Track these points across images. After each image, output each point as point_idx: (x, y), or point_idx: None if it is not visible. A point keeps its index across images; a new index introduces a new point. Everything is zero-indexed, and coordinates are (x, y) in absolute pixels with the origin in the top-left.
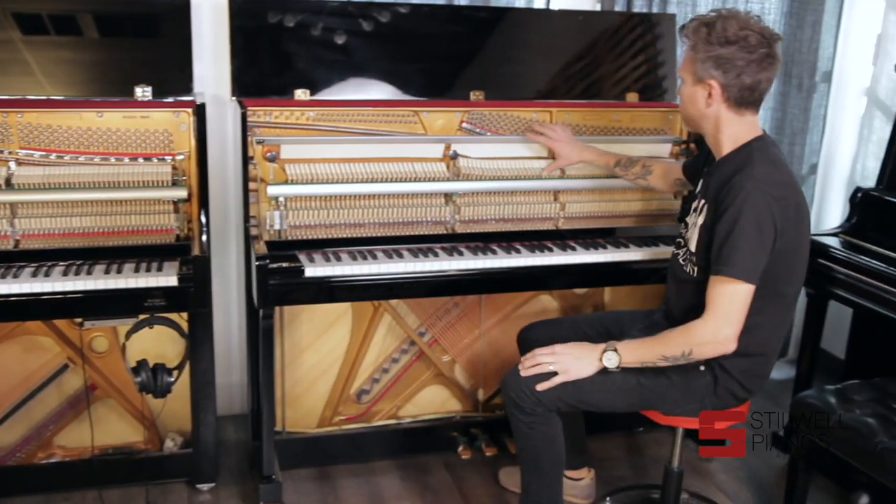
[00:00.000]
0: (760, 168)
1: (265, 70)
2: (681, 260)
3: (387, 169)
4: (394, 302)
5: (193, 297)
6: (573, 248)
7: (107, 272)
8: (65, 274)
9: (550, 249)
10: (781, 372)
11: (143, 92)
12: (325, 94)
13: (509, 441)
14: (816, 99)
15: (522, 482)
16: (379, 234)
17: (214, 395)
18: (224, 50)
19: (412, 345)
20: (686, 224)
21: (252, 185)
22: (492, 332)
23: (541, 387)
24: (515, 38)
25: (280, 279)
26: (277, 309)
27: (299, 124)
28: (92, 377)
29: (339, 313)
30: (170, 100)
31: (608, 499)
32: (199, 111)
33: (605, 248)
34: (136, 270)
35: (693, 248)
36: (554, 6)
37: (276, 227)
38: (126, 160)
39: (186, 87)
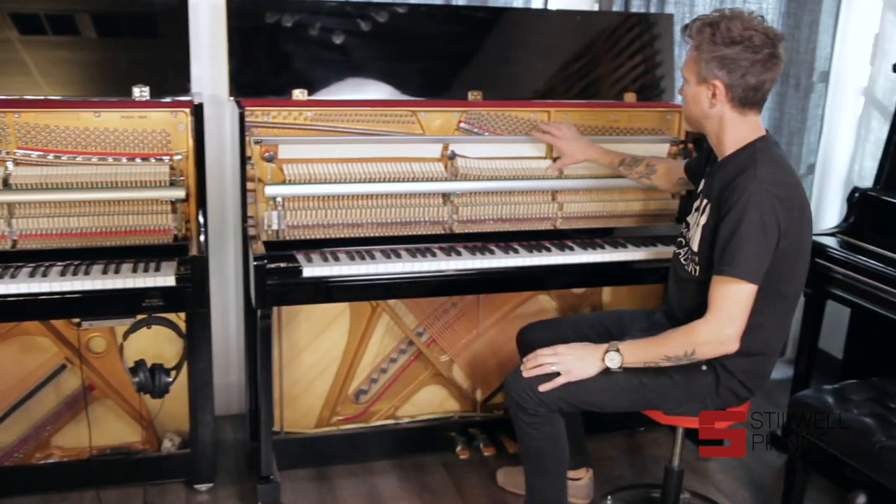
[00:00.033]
0: (764, 169)
1: (263, 70)
2: (682, 259)
3: (385, 169)
4: (392, 302)
5: (191, 297)
6: (571, 248)
7: (104, 272)
8: (62, 274)
9: (548, 249)
10: (779, 371)
11: (140, 92)
12: (323, 94)
13: (507, 441)
14: (814, 99)
15: (527, 483)
16: (377, 234)
17: (212, 395)
18: (222, 50)
19: (410, 345)
20: (687, 223)
21: (250, 185)
22: (490, 331)
23: (543, 387)
24: (513, 38)
25: (278, 279)
26: (275, 309)
27: (297, 124)
28: (90, 377)
29: (337, 313)
30: (167, 100)
31: (609, 497)
32: (197, 111)
33: (603, 248)
34: (134, 270)
35: (695, 247)
36: (552, 6)
37: (274, 227)
38: (124, 160)
39: (184, 87)
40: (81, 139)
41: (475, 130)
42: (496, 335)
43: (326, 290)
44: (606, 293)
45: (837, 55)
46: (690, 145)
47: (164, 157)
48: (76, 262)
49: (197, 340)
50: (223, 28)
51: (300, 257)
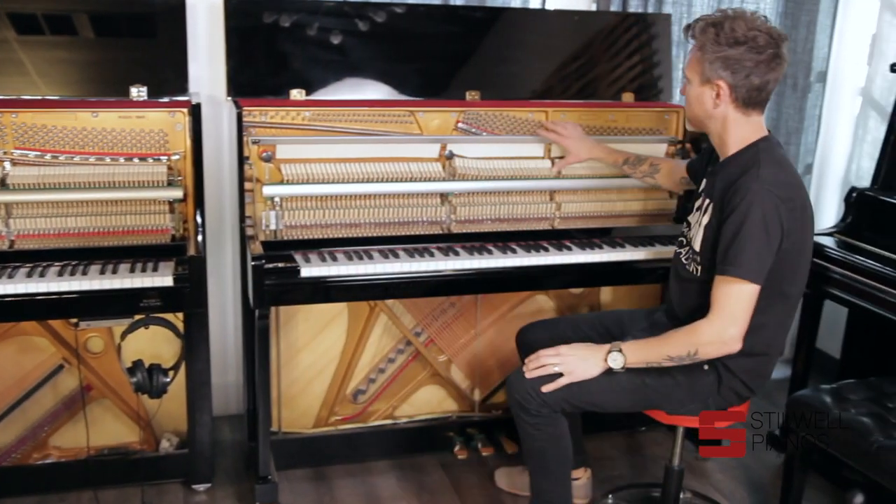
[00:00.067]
0: (767, 169)
1: (261, 70)
2: (683, 259)
3: (383, 169)
4: (390, 302)
5: (189, 297)
6: (569, 248)
7: (102, 272)
8: (60, 274)
9: (546, 249)
10: (777, 371)
11: (138, 92)
12: (321, 94)
13: (506, 441)
14: (811, 99)
15: (532, 483)
16: (375, 234)
17: (210, 395)
18: (219, 50)
19: (408, 345)
20: (688, 223)
21: (248, 186)
22: (488, 331)
23: (546, 388)
24: (511, 38)
25: (276, 279)
26: (273, 309)
27: (295, 124)
28: (87, 378)
29: (335, 313)
30: (165, 100)
31: (610, 496)
32: (195, 111)
33: (601, 247)
34: (132, 271)
35: (697, 247)
36: (549, 6)
37: (272, 227)
38: (121, 160)
39: (182, 87)
40: (79, 139)
41: (473, 130)
42: (494, 335)
43: (324, 290)
44: (604, 293)
45: (835, 55)
46: (688, 145)
47: (161, 158)
48: (74, 263)
49: (195, 340)
50: (221, 28)
51: (298, 257)
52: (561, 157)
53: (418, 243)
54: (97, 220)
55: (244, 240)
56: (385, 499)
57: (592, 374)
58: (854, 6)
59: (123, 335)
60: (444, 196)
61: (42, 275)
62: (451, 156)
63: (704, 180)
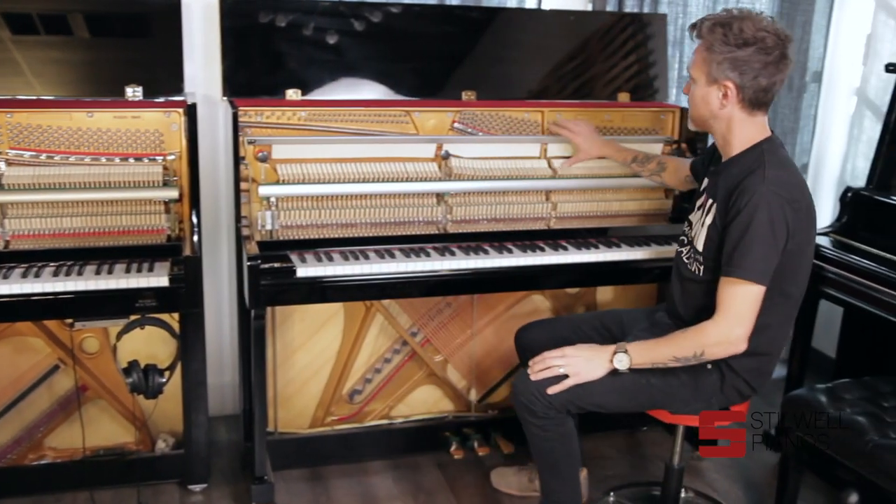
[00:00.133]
0: (772, 170)
1: (256, 70)
2: (685, 258)
3: (378, 169)
4: (386, 302)
5: (185, 297)
6: (565, 248)
7: (97, 273)
8: (55, 274)
9: (542, 249)
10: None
11: (133, 92)
12: (317, 94)
13: (502, 441)
14: (807, 99)
15: (541, 484)
16: (371, 235)
17: (206, 395)
18: (215, 50)
19: (404, 345)
20: (689, 222)
21: (243, 186)
22: (484, 331)
23: (552, 390)
24: (507, 38)
25: (272, 279)
26: (269, 309)
27: (291, 124)
28: (83, 378)
29: (331, 313)
30: (161, 100)
31: (612, 494)
32: (190, 111)
33: (596, 247)
34: (127, 271)
35: (700, 247)
36: (545, 6)
37: (268, 227)
38: (117, 160)
39: (177, 87)
40: (74, 139)
41: (469, 130)
42: (490, 335)
43: (320, 291)
44: (601, 293)
45: (830, 55)
46: (684, 145)
47: (157, 158)
48: (69, 263)
49: (190, 341)
50: (216, 28)
51: (294, 257)
52: (560, 157)
53: (414, 243)
54: (93, 221)
55: (240, 240)
56: (381, 499)
57: (598, 376)
58: (849, 6)
59: (119, 335)
60: (440, 196)
61: (37, 275)
62: (447, 156)
63: (706, 179)
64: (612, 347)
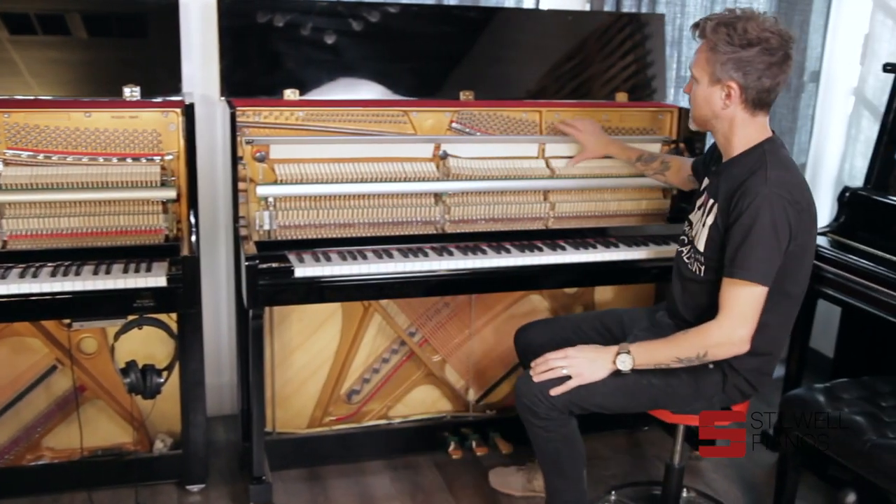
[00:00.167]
0: (774, 171)
1: (254, 70)
2: (685, 258)
3: (376, 169)
4: (384, 302)
5: (182, 297)
6: (563, 248)
7: (95, 273)
8: (53, 275)
9: (540, 249)
10: None
11: (131, 92)
12: (315, 94)
13: (500, 441)
14: (805, 98)
15: (546, 485)
16: (369, 235)
17: (204, 395)
18: (213, 50)
19: (402, 345)
20: (690, 221)
21: (241, 186)
22: (482, 331)
23: (555, 391)
24: (505, 38)
25: (270, 279)
26: (267, 309)
27: (289, 124)
28: (81, 378)
29: (329, 313)
30: (158, 100)
31: (613, 492)
32: (188, 111)
33: (594, 247)
34: (125, 271)
35: (701, 247)
36: (543, 6)
37: (266, 227)
38: (114, 160)
39: (175, 87)
40: (72, 139)
41: (467, 130)
42: (488, 335)
43: (318, 291)
44: (598, 293)
45: (828, 55)
46: (682, 145)
47: (155, 158)
48: (67, 263)
49: (188, 341)
50: (214, 28)
51: (292, 257)
52: (558, 157)
53: (412, 243)
54: (90, 221)
55: (238, 240)
56: (379, 499)
57: (600, 377)
58: (847, 6)
59: (117, 336)
60: (438, 196)
61: (35, 275)
62: (444, 156)
63: (707, 179)
64: (614, 348)
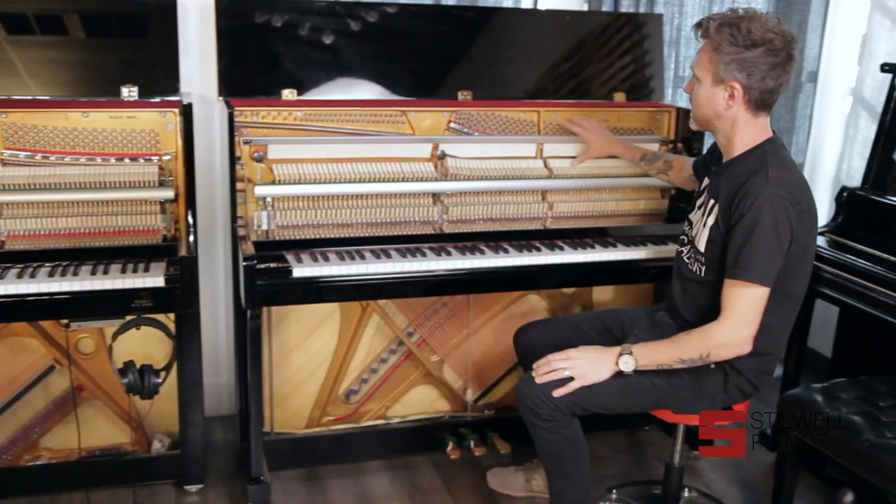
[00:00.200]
0: (775, 172)
1: (252, 70)
2: (685, 258)
3: (374, 169)
4: (382, 302)
5: (180, 297)
6: (561, 248)
7: (93, 273)
8: (51, 275)
9: (538, 249)
10: None
11: (129, 92)
12: (313, 94)
13: (498, 440)
14: (802, 98)
15: (550, 486)
16: (367, 235)
17: (202, 395)
18: (211, 50)
19: (400, 345)
20: (689, 221)
21: (239, 186)
22: (480, 331)
23: (557, 393)
24: (503, 38)
25: (268, 279)
26: (265, 309)
27: (287, 124)
28: (78, 378)
29: (328, 313)
30: (156, 100)
31: (614, 491)
32: (186, 111)
33: (592, 247)
34: (123, 271)
35: (702, 247)
36: (541, 6)
37: (264, 227)
38: (112, 160)
39: (173, 87)
40: (70, 139)
41: (465, 130)
42: (487, 335)
43: (316, 291)
44: (597, 293)
45: (826, 55)
46: (680, 145)
47: (152, 158)
48: (64, 263)
49: (186, 341)
50: (212, 28)
51: (290, 257)
52: (556, 157)
53: (410, 243)
54: (88, 221)
55: (236, 240)
56: (377, 499)
57: (603, 378)
58: (845, 6)
59: (115, 336)
60: (436, 196)
61: (33, 275)
62: (442, 156)
63: (707, 179)
64: (616, 349)
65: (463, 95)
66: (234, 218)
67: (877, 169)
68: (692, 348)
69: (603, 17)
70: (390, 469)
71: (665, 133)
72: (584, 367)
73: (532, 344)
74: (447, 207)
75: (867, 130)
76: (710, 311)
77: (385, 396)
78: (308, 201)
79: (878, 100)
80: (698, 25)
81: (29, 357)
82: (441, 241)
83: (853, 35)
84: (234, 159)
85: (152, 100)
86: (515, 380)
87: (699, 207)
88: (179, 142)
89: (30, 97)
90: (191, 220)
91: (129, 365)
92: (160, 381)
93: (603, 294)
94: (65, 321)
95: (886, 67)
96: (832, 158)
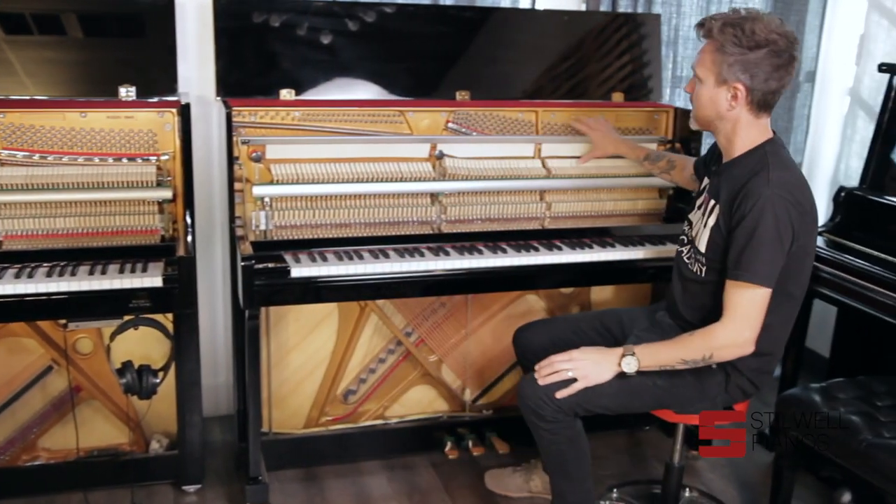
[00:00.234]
0: (777, 173)
1: (250, 70)
2: (685, 258)
3: (373, 169)
4: (380, 302)
5: (178, 297)
6: (559, 248)
7: (91, 273)
8: (49, 275)
9: (536, 249)
10: None
11: (127, 92)
12: (311, 94)
13: (496, 440)
14: (800, 99)
15: (553, 487)
16: (365, 235)
17: (200, 396)
18: (209, 50)
19: (399, 345)
20: (689, 221)
21: (237, 186)
22: (479, 331)
23: (560, 394)
24: (501, 38)
25: (266, 280)
26: (263, 309)
27: (285, 124)
28: (76, 379)
29: (326, 314)
30: (154, 100)
31: (615, 490)
32: (184, 111)
33: (591, 247)
34: (121, 271)
35: (702, 248)
36: (539, 6)
37: (262, 227)
38: (110, 160)
39: (171, 87)
40: (67, 139)
41: (463, 130)
42: (485, 335)
43: (315, 291)
44: (595, 293)
45: (823, 55)
46: (678, 145)
47: (150, 158)
48: (62, 263)
49: (184, 341)
50: (210, 28)
51: (288, 257)
52: (554, 157)
53: (408, 243)
54: (86, 221)
55: (234, 240)
56: (376, 499)
57: (606, 378)
58: (842, 6)
59: (113, 336)
60: (434, 196)
61: (30, 276)
62: (441, 156)
63: (707, 179)
64: (619, 350)
65: (461, 95)
66: (232, 218)
67: (874, 169)
68: (695, 349)
69: (601, 17)
70: (388, 469)
71: (663, 133)
72: (586, 368)
73: (531, 344)
74: (445, 207)
75: (865, 130)
76: (710, 311)
77: (383, 396)
78: (306, 201)
79: (876, 100)
80: (700, 25)
81: (27, 357)
82: (439, 241)
83: (851, 35)
84: (232, 159)
85: (150, 100)
86: (514, 380)
87: (699, 207)
88: (177, 142)
89: (28, 97)
90: (189, 220)
91: (127, 365)
92: (158, 381)
93: (601, 294)
94: (63, 321)
95: (884, 67)
96: (830, 158)
